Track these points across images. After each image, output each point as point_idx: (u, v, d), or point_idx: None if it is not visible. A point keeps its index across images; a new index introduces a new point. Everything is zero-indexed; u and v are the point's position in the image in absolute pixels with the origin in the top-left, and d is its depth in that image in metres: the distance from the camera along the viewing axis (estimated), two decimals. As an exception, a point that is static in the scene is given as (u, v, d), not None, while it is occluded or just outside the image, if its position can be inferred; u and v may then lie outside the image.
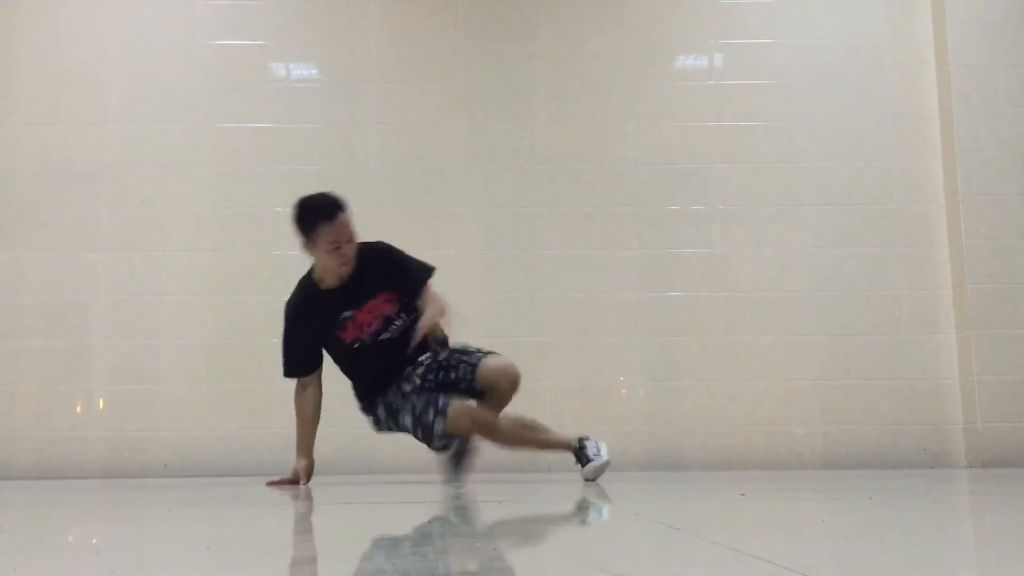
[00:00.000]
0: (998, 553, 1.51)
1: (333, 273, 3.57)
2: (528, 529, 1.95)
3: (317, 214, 3.51)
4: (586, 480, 3.59)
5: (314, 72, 5.23)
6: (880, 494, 2.78)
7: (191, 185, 5.04)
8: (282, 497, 3.03)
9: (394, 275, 3.65)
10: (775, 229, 5.06)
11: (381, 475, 4.59)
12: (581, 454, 3.63)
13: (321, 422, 3.79)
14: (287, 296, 3.87)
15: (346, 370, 3.74)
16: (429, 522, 2.20)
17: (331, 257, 3.52)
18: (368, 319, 3.60)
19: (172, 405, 4.84)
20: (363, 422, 3.85)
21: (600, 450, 3.63)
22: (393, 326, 3.63)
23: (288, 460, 4.81)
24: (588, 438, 3.66)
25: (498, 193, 5.09)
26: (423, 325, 3.50)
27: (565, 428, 4.83)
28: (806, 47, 5.23)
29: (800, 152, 5.13)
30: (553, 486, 3.48)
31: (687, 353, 4.94)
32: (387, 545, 1.68)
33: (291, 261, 4.99)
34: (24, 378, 4.85)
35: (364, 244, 3.63)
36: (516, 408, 4.84)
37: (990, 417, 4.71)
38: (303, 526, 2.11)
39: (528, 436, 3.70)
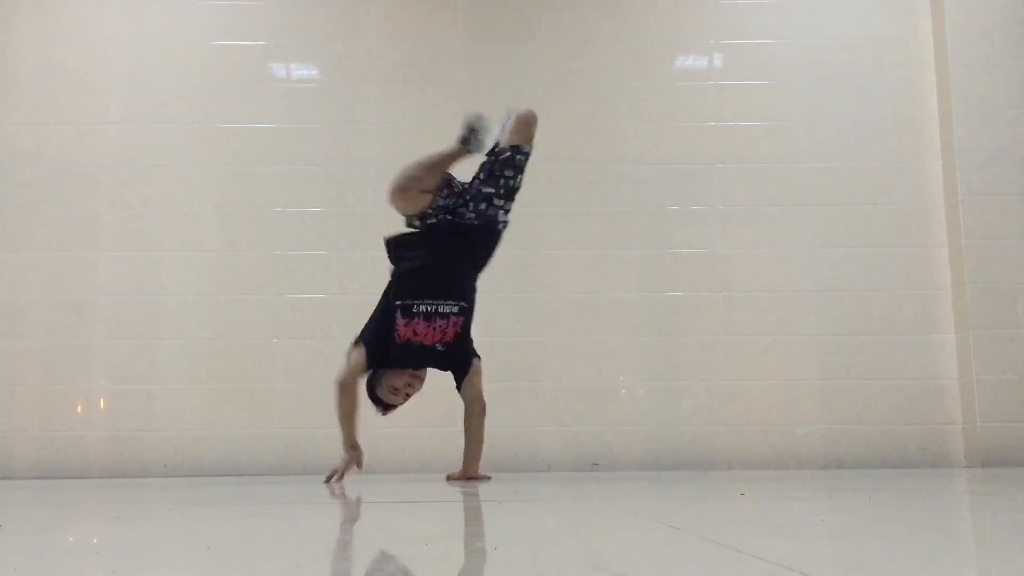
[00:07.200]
0: (998, 553, 1.51)
1: (394, 398, 3.70)
2: (528, 529, 1.95)
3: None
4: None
5: (314, 72, 5.23)
6: (880, 494, 2.78)
7: (191, 185, 5.04)
8: (284, 496, 3.03)
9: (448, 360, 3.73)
10: (775, 229, 5.06)
11: (381, 475, 4.59)
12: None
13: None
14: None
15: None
16: (430, 522, 2.21)
17: (393, 396, 3.66)
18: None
19: (172, 405, 4.84)
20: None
21: None
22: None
23: (288, 459, 4.82)
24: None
25: (498, 193, 5.07)
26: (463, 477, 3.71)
27: (565, 428, 4.86)
28: (806, 47, 5.23)
29: (800, 152, 5.13)
30: (552, 485, 3.48)
31: (687, 353, 4.94)
32: (389, 545, 1.68)
33: (291, 261, 5.01)
34: (25, 378, 4.85)
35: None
36: (516, 404, 4.85)
37: (989, 417, 4.71)
38: (304, 526, 2.11)
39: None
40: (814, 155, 5.12)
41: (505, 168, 3.74)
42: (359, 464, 3.74)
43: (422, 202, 3.69)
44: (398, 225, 4.82)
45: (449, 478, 3.79)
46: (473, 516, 2.33)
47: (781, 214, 5.07)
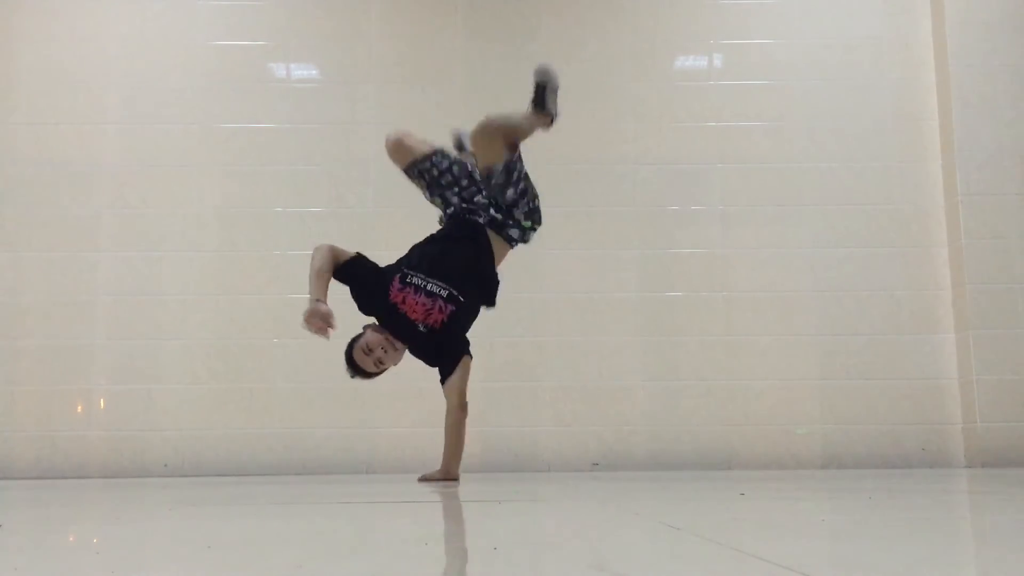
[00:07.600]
0: (998, 553, 1.51)
1: (364, 360, 3.62)
2: (528, 529, 1.95)
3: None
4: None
5: (314, 72, 5.23)
6: (880, 494, 2.78)
7: (191, 185, 5.04)
8: (284, 496, 3.03)
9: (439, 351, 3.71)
10: (775, 229, 5.06)
11: (381, 475, 4.59)
12: None
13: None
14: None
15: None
16: (430, 522, 2.21)
17: (364, 356, 3.59)
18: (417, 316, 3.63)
19: (172, 405, 4.84)
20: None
21: None
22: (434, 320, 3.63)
23: (288, 459, 4.82)
24: None
25: (498, 193, 5.07)
26: (440, 476, 3.68)
27: (565, 428, 4.86)
28: (806, 47, 5.23)
29: (800, 152, 5.13)
30: (552, 485, 3.48)
31: (687, 353, 4.94)
32: (388, 545, 1.68)
33: (291, 261, 5.01)
34: (25, 378, 4.85)
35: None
36: (516, 404, 4.85)
37: (989, 417, 4.71)
38: (304, 526, 2.11)
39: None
40: (814, 155, 5.12)
41: (494, 190, 3.72)
42: (326, 318, 3.49)
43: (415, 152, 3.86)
44: (396, 227, 4.83)
45: (423, 479, 3.74)
46: (473, 516, 2.33)
47: (781, 214, 5.08)
